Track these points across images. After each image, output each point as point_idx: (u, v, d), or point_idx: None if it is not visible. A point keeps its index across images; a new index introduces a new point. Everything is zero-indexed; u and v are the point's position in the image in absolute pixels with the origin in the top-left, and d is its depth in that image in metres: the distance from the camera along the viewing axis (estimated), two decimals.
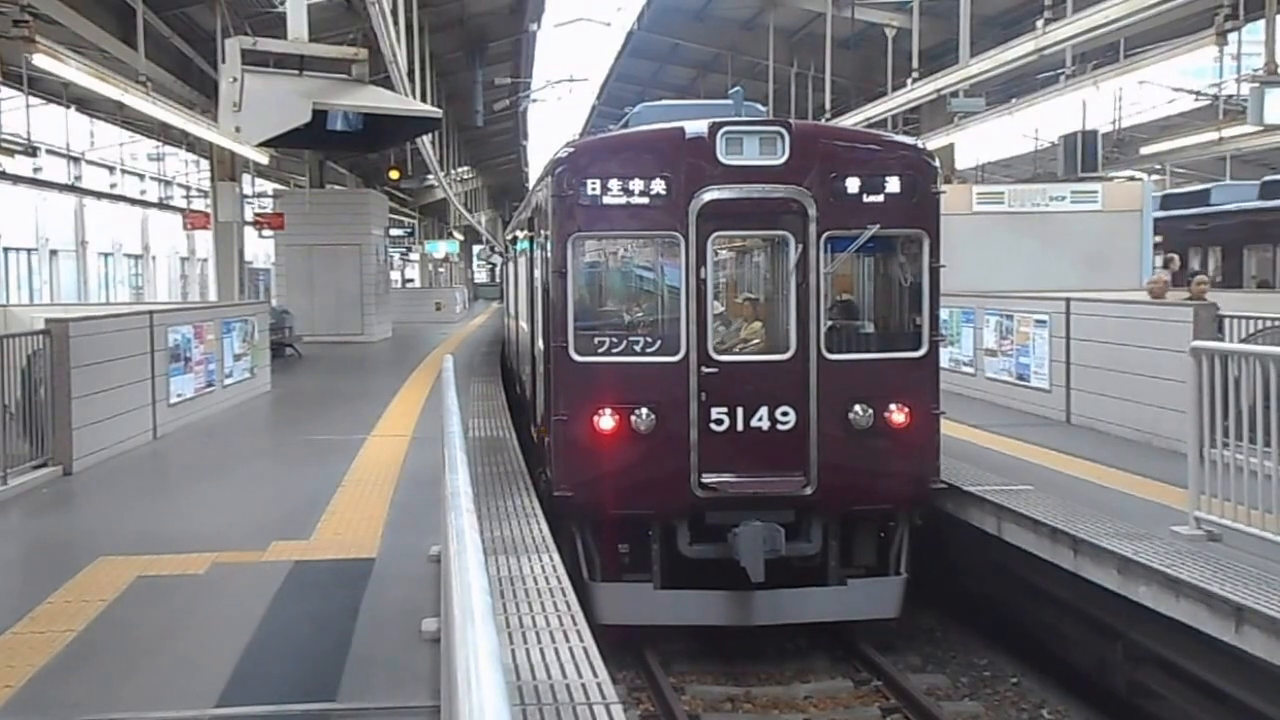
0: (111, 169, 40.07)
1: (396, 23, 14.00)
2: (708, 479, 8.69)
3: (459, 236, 53.35)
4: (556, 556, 7.13)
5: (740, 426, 8.74)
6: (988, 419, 12.67)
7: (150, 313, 12.48)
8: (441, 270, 53.67)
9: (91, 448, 10.22)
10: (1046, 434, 11.72)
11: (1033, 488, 9.23)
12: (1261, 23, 14.42)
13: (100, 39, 16.15)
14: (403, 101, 12.18)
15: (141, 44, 15.63)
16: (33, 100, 23.96)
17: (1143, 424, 10.85)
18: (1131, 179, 22.18)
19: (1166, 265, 18.73)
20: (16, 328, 12.03)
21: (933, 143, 17.39)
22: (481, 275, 69.79)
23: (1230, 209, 21.74)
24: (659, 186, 8.73)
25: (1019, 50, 14.59)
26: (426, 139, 22.55)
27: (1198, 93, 27.06)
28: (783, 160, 8.77)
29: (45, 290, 36.18)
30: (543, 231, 9.82)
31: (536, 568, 6.86)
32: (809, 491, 8.75)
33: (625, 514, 8.91)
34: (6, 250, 34.11)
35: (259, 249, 40.11)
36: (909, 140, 10.43)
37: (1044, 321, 12.85)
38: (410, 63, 16.93)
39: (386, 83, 13.87)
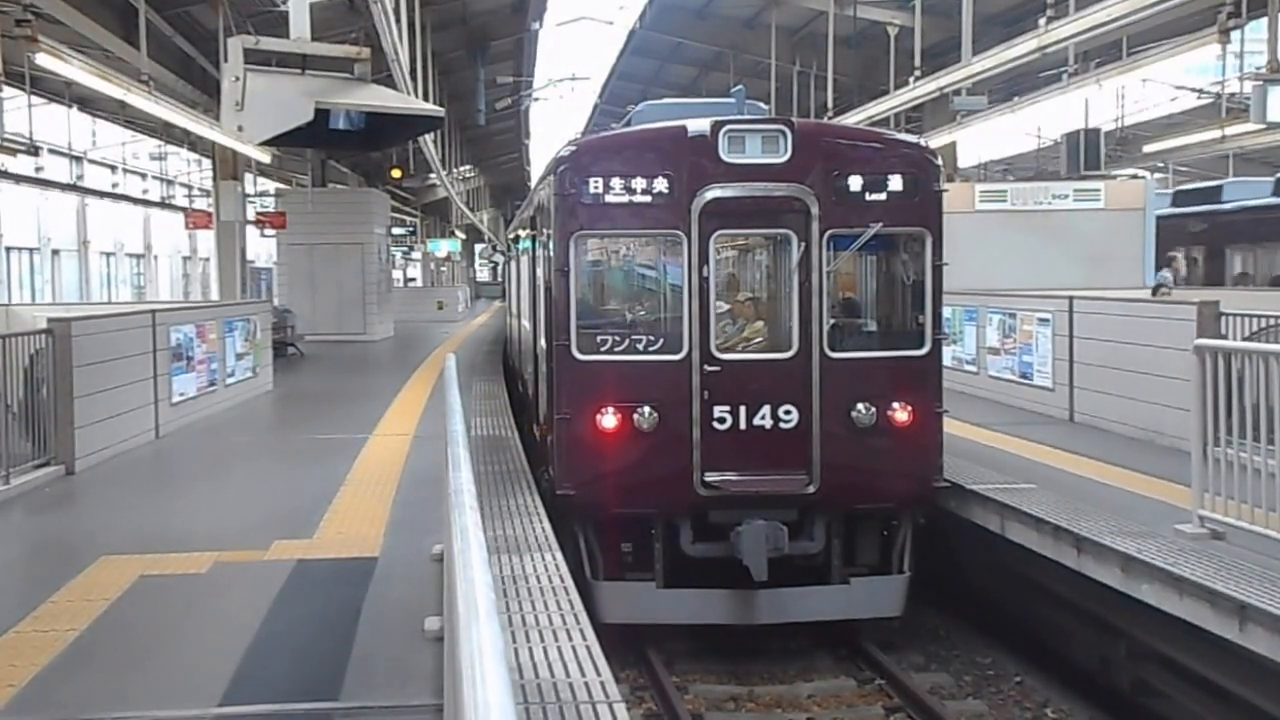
0: (113, 168, 40.09)
1: (398, 21, 14.00)
2: (710, 478, 8.68)
3: (461, 235, 53.36)
4: (559, 555, 7.12)
5: (743, 425, 8.73)
6: (990, 417, 12.66)
7: (152, 312, 12.47)
8: (443, 269, 53.72)
9: (94, 447, 10.22)
10: (1049, 432, 11.71)
11: (1036, 486, 9.21)
12: (1264, 20, 14.41)
13: (102, 38, 16.16)
14: (405, 100, 12.17)
15: (144, 43, 15.64)
16: (35, 99, 23.97)
17: (1146, 422, 10.84)
18: (1134, 177, 22.17)
19: (1168, 264, 18.68)
20: (19, 327, 12.02)
21: (935, 141, 17.35)
22: (483, 274, 69.83)
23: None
24: (661, 185, 8.73)
25: (1021, 48, 14.57)
26: (428, 138, 22.56)
27: (1200, 90, 27.02)
28: (785, 159, 8.76)
29: (47, 290, 36.20)
30: (545, 230, 9.81)
31: (539, 567, 6.85)
32: (812, 490, 8.74)
33: (628, 513, 8.90)
34: (9, 250, 34.12)
35: (261, 248, 40.10)
36: (911, 138, 10.42)
37: (1047, 320, 12.83)
38: (412, 61, 16.93)
39: (389, 82, 13.88)
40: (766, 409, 8.74)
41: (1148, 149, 25.26)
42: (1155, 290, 16.22)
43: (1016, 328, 13.51)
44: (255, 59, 8.69)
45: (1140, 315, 11.38)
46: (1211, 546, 7.19)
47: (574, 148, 9.23)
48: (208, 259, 43.13)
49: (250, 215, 25.40)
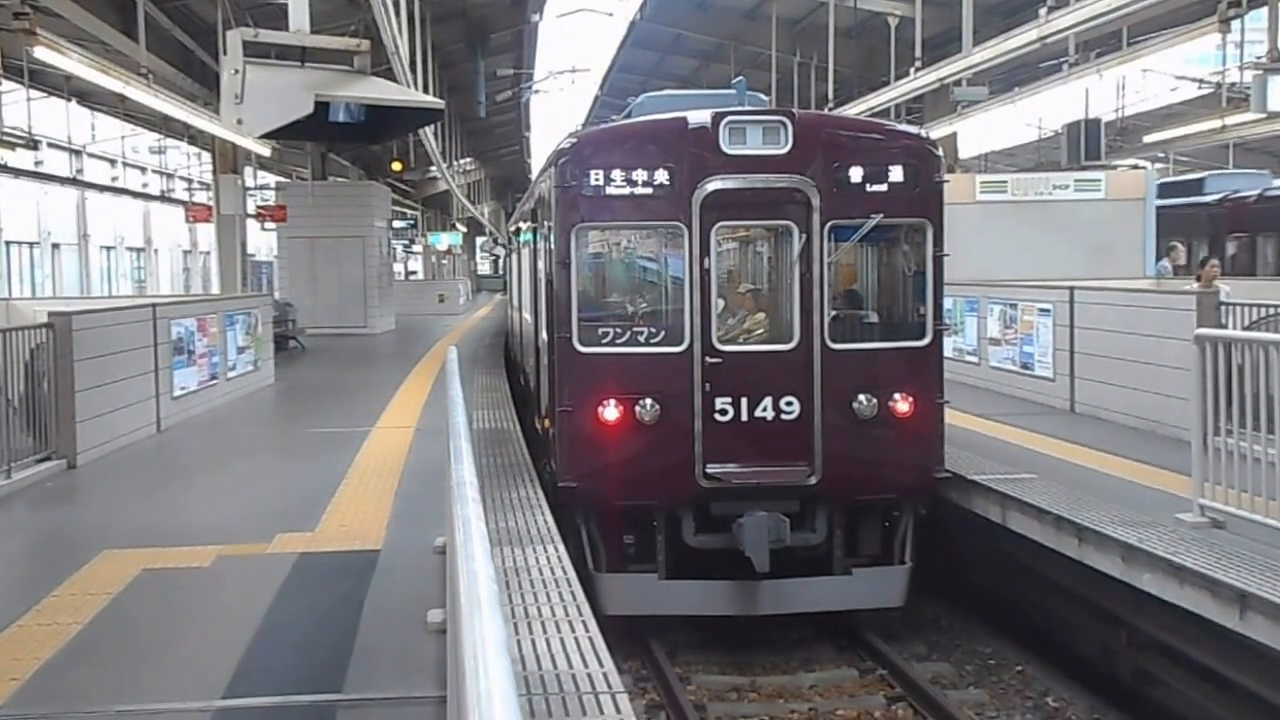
0: (113, 162, 40.06)
1: (398, 14, 13.96)
2: (712, 469, 8.68)
3: (462, 228, 53.35)
4: (561, 547, 7.13)
5: (744, 417, 8.73)
6: (992, 408, 12.67)
7: (153, 306, 12.48)
8: (444, 262, 53.70)
9: (95, 441, 10.23)
10: (1050, 422, 11.71)
11: (1037, 476, 9.22)
12: (1264, 10, 14.40)
13: (101, 31, 16.14)
14: (405, 93, 12.15)
15: (143, 36, 15.62)
16: (34, 93, 23.96)
17: (1147, 412, 10.84)
18: (1135, 167, 22.16)
19: (1169, 254, 18.65)
20: (19, 321, 12.02)
21: (936, 132, 17.37)
22: (484, 267, 69.75)
23: None
24: (662, 177, 8.72)
25: (1022, 39, 14.55)
26: (429, 130, 22.52)
27: (1201, 80, 27.00)
28: (786, 150, 8.75)
29: (47, 284, 36.20)
30: (546, 222, 9.80)
31: (541, 559, 6.86)
32: (813, 481, 8.75)
33: (630, 505, 8.90)
34: (9, 244, 34.11)
35: (262, 241, 40.10)
36: (912, 129, 10.40)
37: (1048, 310, 12.83)
38: (412, 54, 16.89)
39: (389, 74, 13.85)
40: (768, 400, 8.74)
41: (1148, 139, 25.21)
42: (1199, 275, 16.05)
43: (1017, 318, 13.51)
44: (254, 52, 8.66)
45: (1141, 305, 11.38)
46: (1212, 535, 7.21)
47: (574, 140, 9.22)
48: (208, 253, 43.10)
49: (251, 209, 25.42)
